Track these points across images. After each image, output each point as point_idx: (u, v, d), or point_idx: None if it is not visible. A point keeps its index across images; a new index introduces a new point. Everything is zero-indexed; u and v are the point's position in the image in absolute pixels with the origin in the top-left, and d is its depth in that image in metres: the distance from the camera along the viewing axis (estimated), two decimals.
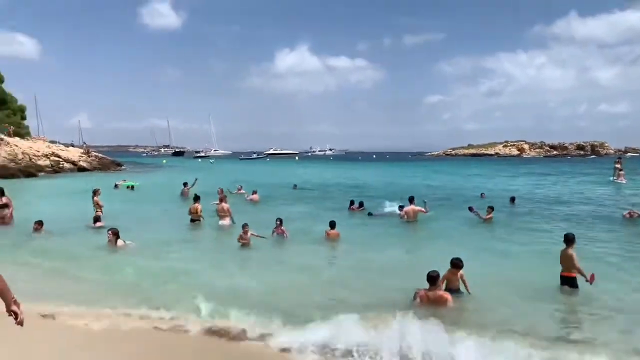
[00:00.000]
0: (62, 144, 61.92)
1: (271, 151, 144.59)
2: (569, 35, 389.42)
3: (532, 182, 39.47)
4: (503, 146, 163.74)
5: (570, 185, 35.69)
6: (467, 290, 8.18)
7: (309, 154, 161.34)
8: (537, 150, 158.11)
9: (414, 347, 5.68)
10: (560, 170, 57.24)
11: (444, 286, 8.00)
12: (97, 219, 15.06)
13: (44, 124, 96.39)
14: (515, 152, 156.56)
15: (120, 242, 12.01)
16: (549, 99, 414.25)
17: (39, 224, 13.60)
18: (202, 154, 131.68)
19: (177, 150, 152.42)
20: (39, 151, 45.74)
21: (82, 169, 48.45)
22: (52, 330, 6.56)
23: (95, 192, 16.50)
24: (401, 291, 8.18)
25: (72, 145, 70.15)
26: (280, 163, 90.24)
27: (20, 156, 41.13)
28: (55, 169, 45.05)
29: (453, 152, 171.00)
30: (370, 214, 18.37)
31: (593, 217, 18.06)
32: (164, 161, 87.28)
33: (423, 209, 16.55)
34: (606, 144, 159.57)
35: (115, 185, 29.81)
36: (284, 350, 5.99)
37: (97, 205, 16.20)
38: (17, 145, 42.63)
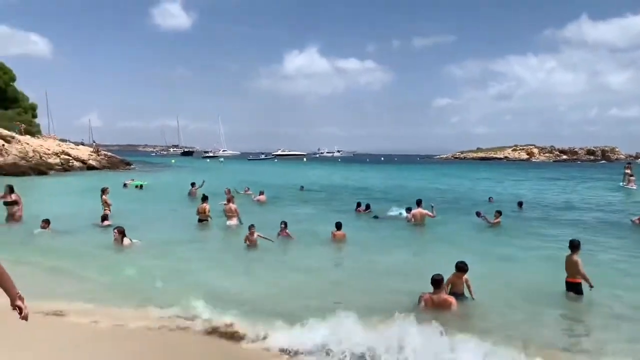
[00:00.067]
0: (72, 143, 62.51)
1: (279, 152, 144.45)
2: (580, 39, 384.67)
3: (540, 186, 39.21)
4: (512, 150, 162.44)
5: (580, 190, 35.41)
6: (471, 295, 8.14)
7: (317, 156, 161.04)
8: (547, 154, 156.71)
9: (412, 350, 5.65)
10: (569, 175, 56.79)
11: (448, 290, 7.97)
12: (104, 218, 15.17)
13: (54, 122, 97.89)
14: (524, 156, 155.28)
15: (126, 240, 12.07)
16: (559, 103, 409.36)
17: (46, 222, 13.69)
18: (211, 154, 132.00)
19: (186, 150, 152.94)
20: (49, 149, 46.17)
21: (91, 168, 48.84)
22: (56, 328, 6.60)
23: (104, 191, 16.59)
24: (406, 294, 8.15)
25: (82, 144, 70.73)
26: (288, 164, 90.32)
27: (31, 154, 41.51)
28: (65, 167, 45.43)
29: (462, 156, 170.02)
30: (375, 217, 18.36)
31: (602, 223, 17.93)
32: (173, 161, 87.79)
33: (430, 213, 16.49)
34: (617, 149, 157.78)
35: (124, 185, 29.95)
36: (284, 350, 6.00)
37: (106, 204, 16.31)
38: (27, 143, 43.00)
